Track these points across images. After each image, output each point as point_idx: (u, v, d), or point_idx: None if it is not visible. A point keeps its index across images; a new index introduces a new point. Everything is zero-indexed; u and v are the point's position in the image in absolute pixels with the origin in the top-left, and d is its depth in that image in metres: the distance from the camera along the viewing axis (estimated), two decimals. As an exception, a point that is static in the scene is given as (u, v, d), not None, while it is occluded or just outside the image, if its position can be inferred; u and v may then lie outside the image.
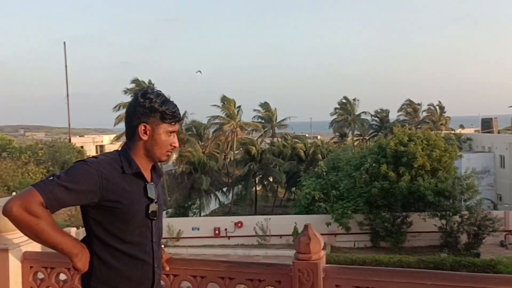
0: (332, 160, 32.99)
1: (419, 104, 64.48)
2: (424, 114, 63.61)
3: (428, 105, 63.79)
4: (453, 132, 47.33)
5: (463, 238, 26.17)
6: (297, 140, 48.90)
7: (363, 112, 65.78)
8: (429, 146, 27.92)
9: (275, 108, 61.86)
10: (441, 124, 60.46)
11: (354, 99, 66.30)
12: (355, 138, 65.60)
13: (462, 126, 49.35)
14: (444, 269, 22.00)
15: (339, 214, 27.31)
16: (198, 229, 29.64)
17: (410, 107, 64.47)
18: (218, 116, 46.93)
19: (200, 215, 35.60)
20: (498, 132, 42.36)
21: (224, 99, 47.36)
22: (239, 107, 47.84)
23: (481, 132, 42.88)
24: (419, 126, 57.91)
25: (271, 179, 41.43)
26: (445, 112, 62.84)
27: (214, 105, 46.62)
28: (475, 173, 27.89)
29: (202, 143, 46.43)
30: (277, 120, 61.64)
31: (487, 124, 42.17)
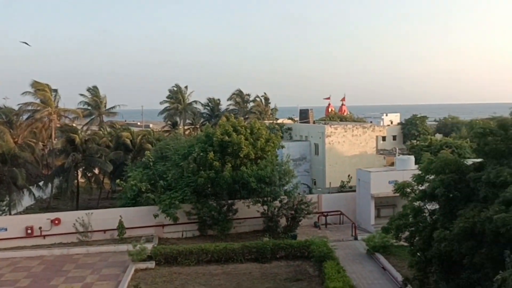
0: (160, 149, 32.18)
1: (248, 95, 67.51)
2: (251, 104, 66.87)
3: (255, 96, 67.25)
4: (276, 122, 50.52)
5: (283, 222, 27.99)
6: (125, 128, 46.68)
7: (194, 101, 66.23)
8: (253, 136, 29.06)
9: (105, 95, 58.37)
10: (269, 114, 64.35)
11: (186, 87, 66.25)
12: (186, 127, 65.72)
13: (292, 119, 53.04)
14: (265, 253, 23.19)
15: (167, 205, 26.75)
16: (6, 229, 26.07)
17: (240, 97, 67.09)
18: (31, 102, 42.18)
19: (10, 214, 31.40)
20: (314, 122, 46.58)
21: (36, 84, 42.78)
22: (55, 91, 43.69)
23: (299, 122, 46.60)
24: (247, 116, 60.68)
25: (96, 171, 38.78)
26: (269, 103, 66.94)
27: (25, 93, 41.88)
28: (294, 160, 30.11)
29: (14, 132, 41.19)
30: (106, 108, 58.26)
31: (304, 115, 46.04)
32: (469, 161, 16.60)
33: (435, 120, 77.87)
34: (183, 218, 27.63)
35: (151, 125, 78.73)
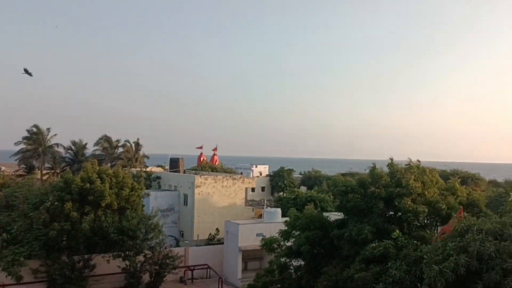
0: (6, 197, 28.12)
1: (117, 140, 64.16)
2: (121, 150, 63.59)
3: (125, 141, 64.21)
4: (144, 170, 48.34)
5: (146, 278, 25.91)
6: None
7: (56, 144, 60.80)
8: (118, 184, 27.04)
9: None
10: (136, 161, 61.55)
11: (48, 129, 60.69)
12: (44, 172, 59.65)
13: (162, 166, 51.29)
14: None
15: (9, 262, 22.97)
16: None
17: (107, 142, 63.42)
18: None
19: None
20: (184, 172, 45.52)
21: None
22: None
23: (169, 171, 45.17)
24: (114, 163, 57.26)
25: None
26: (140, 149, 64.36)
27: None
28: (161, 211, 28.58)
29: None
30: None
31: (175, 164, 44.85)
32: (332, 214, 17.06)
33: (300, 173, 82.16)
34: (28, 277, 23.96)
35: (3, 168, 70.14)
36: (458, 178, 25.89)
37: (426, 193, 16.53)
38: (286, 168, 69.49)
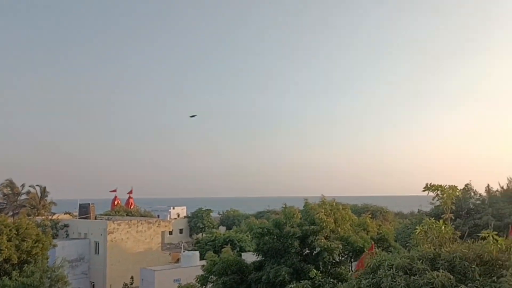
0: None
1: (22, 185, 59.17)
2: (24, 196, 58.68)
3: (30, 186, 59.44)
4: (51, 217, 44.76)
5: None
6: None
7: None
8: (19, 236, 24.56)
9: None
10: (43, 209, 57.01)
11: None
12: None
13: (70, 213, 47.70)
14: None
15: None
16: None
17: (9, 188, 58.26)
18: None
19: None
20: (95, 218, 42.82)
21: None
22: None
23: (79, 218, 42.23)
24: (17, 211, 52.60)
25: None
26: (47, 195, 59.87)
27: None
28: (69, 262, 26.35)
29: None
30: None
31: (85, 210, 42.08)
32: (250, 254, 16.71)
33: (219, 213, 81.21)
34: None
35: None
36: (369, 212, 26.98)
37: (339, 229, 16.86)
38: (204, 209, 68.33)
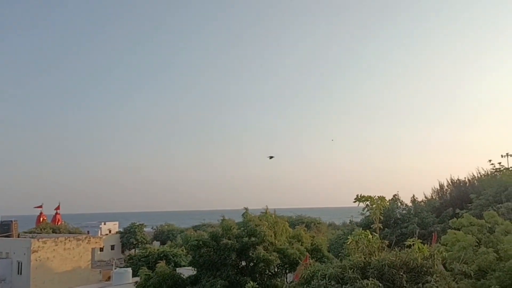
0: None
1: None
2: None
3: None
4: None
5: None
6: None
7: None
8: None
9: None
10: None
11: None
12: None
13: None
14: None
15: None
16: None
17: None
18: None
19: None
20: (18, 236, 40.21)
21: None
22: None
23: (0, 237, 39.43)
24: None
25: None
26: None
27: None
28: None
29: None
30: None
31: (6, 227, 39.35)
32: (185, 269, 16.45)
33: (152, 228, 79.22)
34: None
35: None
36: (303, 224, 27.60)
37: (276, 241, 17.10)
38: (137, 224, 66.39)
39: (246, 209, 18.00)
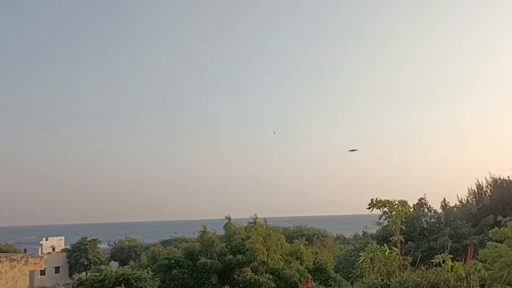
0: None
1: None
2: None
3: None
4: None
5: None
6: None
7: None
8: None
9: None
10: None
11: None
12: None
13: None
14: None
15: None
16: None
17: None
18: None
19: None
20: None
21: None
22: None
23: None
24: None
25: None
26: None
27: None
28: None
29: None
30: None
31: None
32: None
33: (109, 244, 79.18)
34: None
35: None
36: (304, 237, 27.74)
37: (269, 260, 17.13)
38: (89, 239, 66.25)
39: (229, 218, 18.00)
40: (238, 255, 16.05)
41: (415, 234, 27.37)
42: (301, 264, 18.14)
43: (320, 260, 19.32)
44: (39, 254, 60.31)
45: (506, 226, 14.71)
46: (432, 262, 9.99)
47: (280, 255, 18.00)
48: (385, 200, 11.65)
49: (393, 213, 11.39)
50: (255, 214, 18.97)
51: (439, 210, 29.55)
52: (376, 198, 11.80)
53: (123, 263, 61.42)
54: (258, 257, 16.27)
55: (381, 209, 11.90)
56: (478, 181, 33.66)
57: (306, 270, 17.60)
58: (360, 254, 10.83)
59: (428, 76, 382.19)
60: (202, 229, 17.90)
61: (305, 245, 21.06)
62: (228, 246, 16.60)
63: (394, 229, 11.54)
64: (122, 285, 28.24)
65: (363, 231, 34.86)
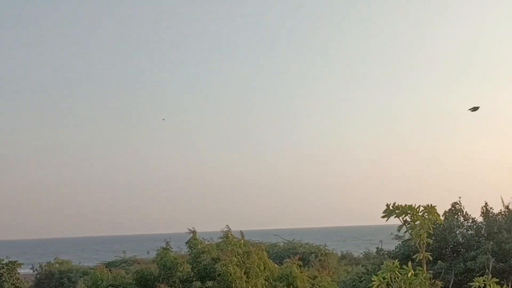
0: None
1: None
2: None
3: None
4: None
5: None
6: None
7: None
8: None
9: None
10: None
11: None
12: None
13: None
14: None
15: None
16: None
17: None
18: None
19: None
20: None
21: None
22: None
23: None
24: None
25: None
26: None
27: None
28: None
29: None
30: None
31: None
32: None
33: (33, 268, 78.86)
34: None
35: None
36: (297, 256, 27.73)
37: (250, 287, 17.17)
38: (5, 261, 66.00)
39: (193, 232, 18.03)
40: (207, 281, 16.06)
41: (447, 251, 27.64)
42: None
43: (320, 286, 19.41)
44: None
45: None
46: (470, 287, 10.11)
47: (265, 280, 18.07)
48: (406, 205, 11.65)
49: (417, 222, 11.45)
50: (227, 226, 18.98)
51: (479, 219, 29.63)
52: (394, 203, 11.81)
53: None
54: (234, 284, 16.30)
55: (400, 217, 11.92)
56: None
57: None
58: (372, 278, 10.87)
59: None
60: (162, 246, 17.86)
61: (299, 266, 21.16)
62: (194, 270, 16.60)
63: (419, 244, 11.59)
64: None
65: (377, 247, 34.89)
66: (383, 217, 12.05)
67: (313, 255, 57.25)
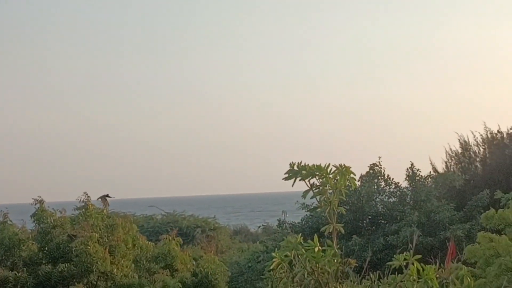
0: None
1: None
2: None
3: None
4: None
5: None
6: None
7: None
8: None
9: None
10: None
11: None
12: None
13: None
14: None
15: None
16: None
17: None
18: None
19: None
20: None
21: None
22: None
23: None
24: None
25: None
26: None
27: None
28: None
29: None
30: None
31: None
32: None
33: None
34: None
35: None
36: (176, 229, 27.60)
37: (116, 270, 17.08)
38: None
39: (40, 202, 17.81)
40: (61, 263, 15.86)
41: (364, 223, 28.18)
42: (172, 276, 18.27)
43: (206, 269, 19.46)
44: None
45: (508, 207, 15.37)
46: (390, 266, 10.25)
47: (137, 260, 18.01)
48: (313, 165, 11.56)
49: (327, 186, 11.42)
50: (85, 193, 18.74)
51: (404, 184, 29.95)
52: (300, 162, 11.72)
53: None
54: (95, 266, 16.19)
55: (307, 180, 11.84)
56: (462, 137, 34.56)
57: (181, 285, 17.72)
58: (273, 255, 10.80)
59: None
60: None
61: (180, 244, 21.18)
62: (44, 249, 16.33)
63: (328, 213, 11.59)
64: None
65: (280, 220, 35.09)
66: (285, 179, 12.00)
67: (199, 229, 57.42)
